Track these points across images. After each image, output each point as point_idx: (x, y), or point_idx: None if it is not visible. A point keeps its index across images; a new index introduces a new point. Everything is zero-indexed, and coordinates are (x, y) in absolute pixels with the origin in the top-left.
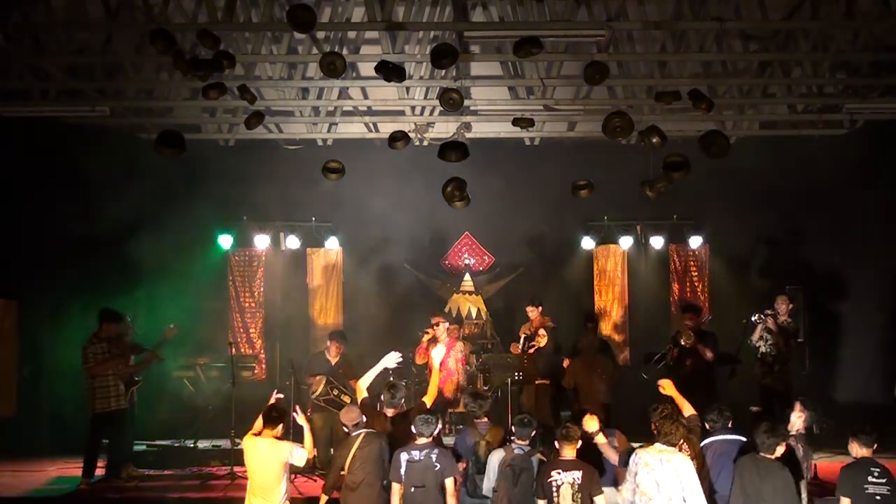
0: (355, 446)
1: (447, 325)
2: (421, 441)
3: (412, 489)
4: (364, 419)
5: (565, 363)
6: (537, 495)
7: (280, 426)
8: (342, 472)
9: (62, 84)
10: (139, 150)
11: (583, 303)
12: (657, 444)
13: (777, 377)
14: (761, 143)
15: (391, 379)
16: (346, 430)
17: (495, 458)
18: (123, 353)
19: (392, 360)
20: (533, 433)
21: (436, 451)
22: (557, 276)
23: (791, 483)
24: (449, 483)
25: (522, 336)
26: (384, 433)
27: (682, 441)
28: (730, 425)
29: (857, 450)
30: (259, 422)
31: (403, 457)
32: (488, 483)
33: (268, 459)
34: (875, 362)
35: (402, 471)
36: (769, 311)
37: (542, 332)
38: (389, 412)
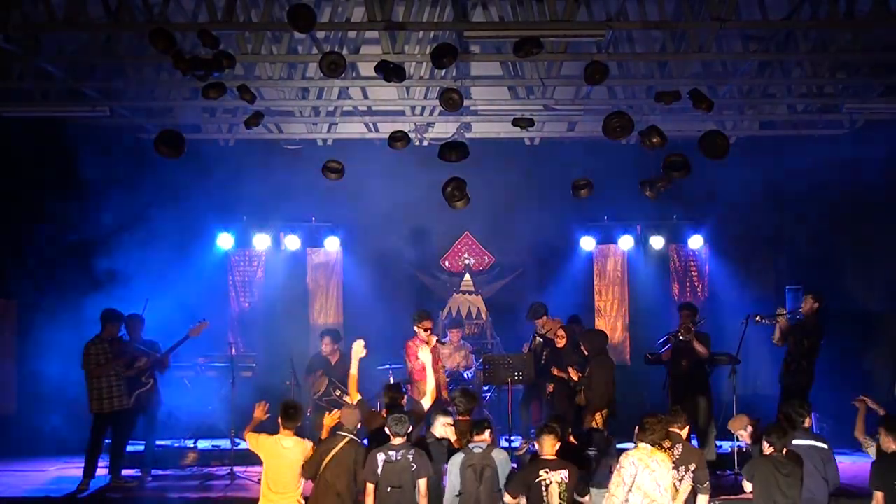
0: (337, 448)
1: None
2: (396, 441)
3: (388, 489)
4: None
5: (574, 372)
6: (516, 490)
7: (299, 421)
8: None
9: (62, 84)
10: (139, 150)
11: (583, 303)
12: (646, 446)
13: (792, 376)
14: (761, 143)
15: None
16: (342, 426)
17: (456, 462)
18: (124, 354)
19: (359, 347)
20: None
21: (412, 451)
22: (557, 276)
23: None
24: (422, 483)
25: (537, 338)
26: (361, 446)
27: (668, 445)
28: (806, 424)
29: (891, 444)
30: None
31: (380, 457)
32: (451, 488)
33: (293, 456)
34: (876, 361)
35: (379, 471)
36: (780, 311)
37: (560, 333)
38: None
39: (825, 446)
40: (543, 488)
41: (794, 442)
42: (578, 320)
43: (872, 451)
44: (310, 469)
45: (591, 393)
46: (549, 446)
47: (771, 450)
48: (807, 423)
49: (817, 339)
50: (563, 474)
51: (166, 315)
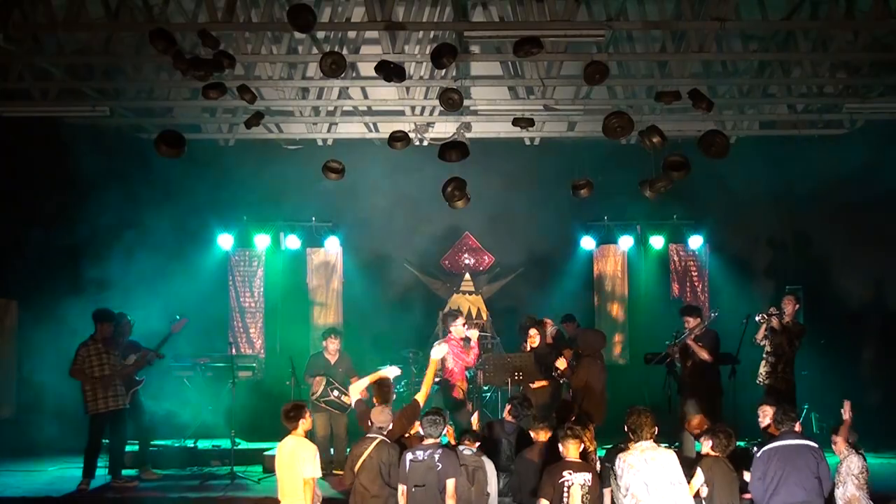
0: (368, 451)
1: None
2: (428, 441)
3: (413, 488)
4: (391, 425)
5: (563, 363)
6: (546, 493)
7: (301, 421)
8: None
9: (62, 84)
10: (139, 150)
11: (583, 303)
12: (640, 444)
13: (780, 377)
14: (761, 143)
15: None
16: (369, 425)
17: None
18: (127, 352)
19: (392, 373)
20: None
21: (439, 451)
22: (557, 276)
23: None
24: (450, 483)
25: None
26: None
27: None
28: (796, 429)
29: None
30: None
31: (408, 457)
32: None
33: (290, 460)
34: (874, 362)
35: (406, 471)
36: (773, 311)
37: (531, 332)
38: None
39: (816, 445)
40: (566, 489)
41: (786, 442)
42: (572, 319)
43: (852, 460)
44: (347, 476)
45: (577, 390)
46: (573, 449)
47: (710, 447)
48: (797, 427)
49: (800, 340)
50: (586, 477)
51: (166, 315)
